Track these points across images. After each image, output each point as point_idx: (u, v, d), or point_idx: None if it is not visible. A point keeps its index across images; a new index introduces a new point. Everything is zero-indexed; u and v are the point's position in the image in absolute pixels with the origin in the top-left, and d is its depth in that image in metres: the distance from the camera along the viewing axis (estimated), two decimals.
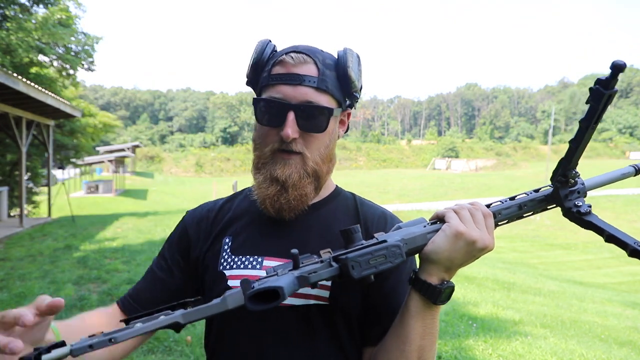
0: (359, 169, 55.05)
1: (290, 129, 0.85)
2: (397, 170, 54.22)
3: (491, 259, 13.77)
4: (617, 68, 0.68)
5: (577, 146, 0.79)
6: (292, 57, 0.88)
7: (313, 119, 0.87)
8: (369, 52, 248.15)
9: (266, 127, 0.89)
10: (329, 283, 0.89)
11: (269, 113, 0.88)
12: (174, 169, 51.89)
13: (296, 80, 0.86)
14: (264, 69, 0.90)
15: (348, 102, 0.95)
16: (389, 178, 42.38)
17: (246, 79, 0.95)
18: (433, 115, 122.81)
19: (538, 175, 41.33)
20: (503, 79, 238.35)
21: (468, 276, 8.36)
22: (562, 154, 0.83)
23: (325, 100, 0.88)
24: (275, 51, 0.92)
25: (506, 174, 46.46)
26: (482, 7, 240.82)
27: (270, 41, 0.93)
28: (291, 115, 0.85)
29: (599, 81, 0.71)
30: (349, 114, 0.99)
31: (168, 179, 43.24)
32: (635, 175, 0.91)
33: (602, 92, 0.71)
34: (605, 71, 0.74)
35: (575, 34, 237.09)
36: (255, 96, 0.96)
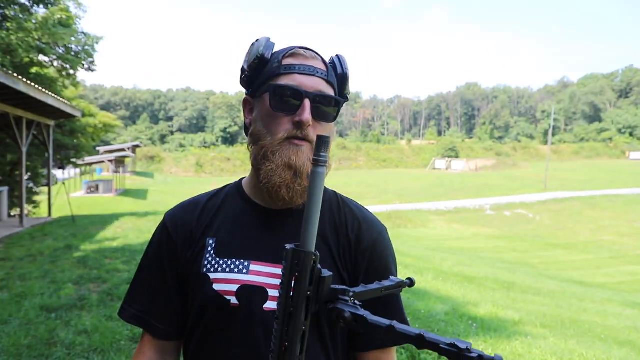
0: (359, 169, 55.03)
1: (309, 114, 0.86)
2: (397, 170, 54.21)
3: (491, 259, 13.78)
4: None
5: None
6: (304, 51, 0.91)
7: (325, 108, 0.89)
8: (369, 52, 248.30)
9: (280, 114, 0.88)
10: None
11: (285, 99, 0.87)
12: (174, 169, 51.83)
13: (311, 70, 0.88)
14: (268, 63, 0.90)
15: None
16: (389, 178, 42.36)
17: (242, 75, 0.93)
18: (433, 115, 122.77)
19: (538, 175, 41.33)
20: (503, 78, 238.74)
21: (468, 276, 8.36)
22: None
23: (332, 94, 0.91)
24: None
25: (506, 174, 46.45)
26: (482, 6, 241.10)
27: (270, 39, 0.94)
28: (307, 103, 0.86)
29: None
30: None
31: (168, 179, 43.21)
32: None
33: None
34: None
35: (575, 33, 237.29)
36: (246, 96, 0.96)
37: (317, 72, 0.89)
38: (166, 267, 0.95)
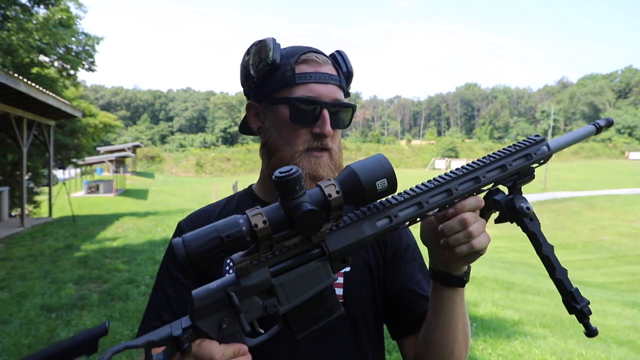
0: None
1: (329, 126, 0.87)
2: (397, 170, 52.73)
3: (491, 259, 13.79)
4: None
5: None
6: (316, 56, 0.89)
7: (341, 116, 0.90)
8: (369, 52, 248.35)
9: (297, 126, 0.87)
10: (341, 280, 0.90)
11: (304, 112, 0.86)
12: (175, 169, 51.86)
13: (326, 78, 0.88)
14: (279, 69, 0.88)
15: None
16: None
17: (249, 80, 0.91)
18: (433, 115, 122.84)
19: (537, 175, 41.15)
20: (502, 79, 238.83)
21: None
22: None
23: (343, 97, 0.92)
24: None
25: None
26: (480, 6, 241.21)
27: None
28: (326, 113, 0.86)
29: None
30: None
31: (168, 179, 43.23)
32: (596, 134, 0.89)
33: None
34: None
35: (574, 33, 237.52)
36: (249, 100, 0.95)
37: (332, 80, 0.88)
38: (188, 274, 0.93)
